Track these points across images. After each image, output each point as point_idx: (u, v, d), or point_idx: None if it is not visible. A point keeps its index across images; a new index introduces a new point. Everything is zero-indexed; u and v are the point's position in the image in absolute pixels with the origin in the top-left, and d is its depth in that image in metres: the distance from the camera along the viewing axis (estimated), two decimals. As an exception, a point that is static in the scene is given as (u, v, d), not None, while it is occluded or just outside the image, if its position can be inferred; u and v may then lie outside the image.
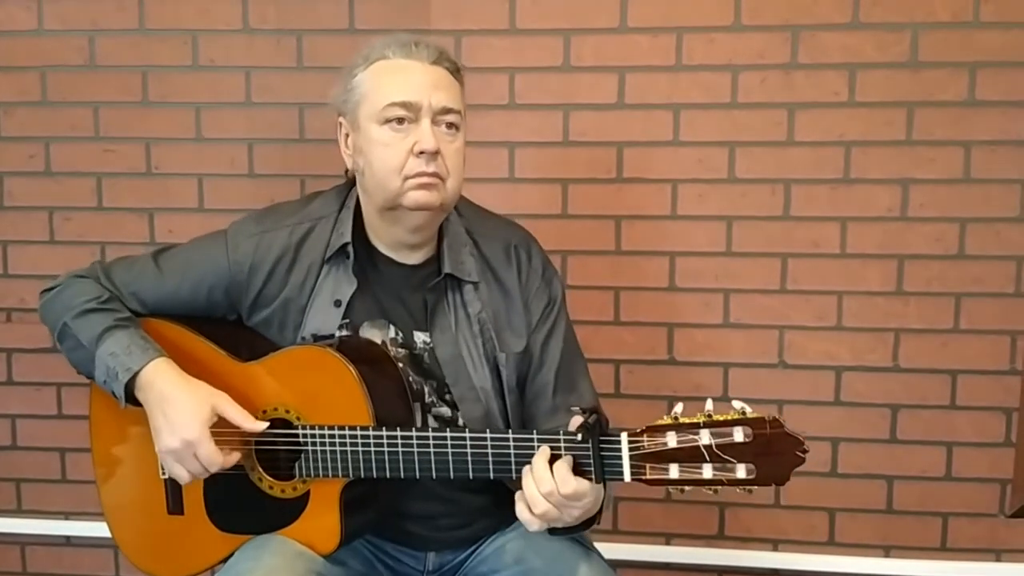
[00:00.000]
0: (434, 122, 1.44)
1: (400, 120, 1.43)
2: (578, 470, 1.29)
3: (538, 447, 1.32)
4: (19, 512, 2.31)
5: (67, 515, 2.29)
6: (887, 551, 2.11)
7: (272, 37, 2.11)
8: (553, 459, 1.30)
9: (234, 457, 1.44)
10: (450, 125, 1.46)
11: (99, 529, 2.21)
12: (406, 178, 1.43)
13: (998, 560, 2.08)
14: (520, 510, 1.31)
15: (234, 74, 2.12)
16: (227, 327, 1.57)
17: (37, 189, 2.20)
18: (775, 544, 2.13)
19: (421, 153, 1.42)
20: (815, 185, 2.03)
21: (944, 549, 2.09)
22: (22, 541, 2.32)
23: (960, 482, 2.07)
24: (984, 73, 1.96)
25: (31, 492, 2.30)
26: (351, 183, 1.57)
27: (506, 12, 2.05)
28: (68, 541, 2.31)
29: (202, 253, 1.56)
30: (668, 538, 2.15)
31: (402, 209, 1.45)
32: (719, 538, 2.14)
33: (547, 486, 1.28)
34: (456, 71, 1.49)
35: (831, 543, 2.12)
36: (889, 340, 2.05)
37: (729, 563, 2.14)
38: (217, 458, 1.41)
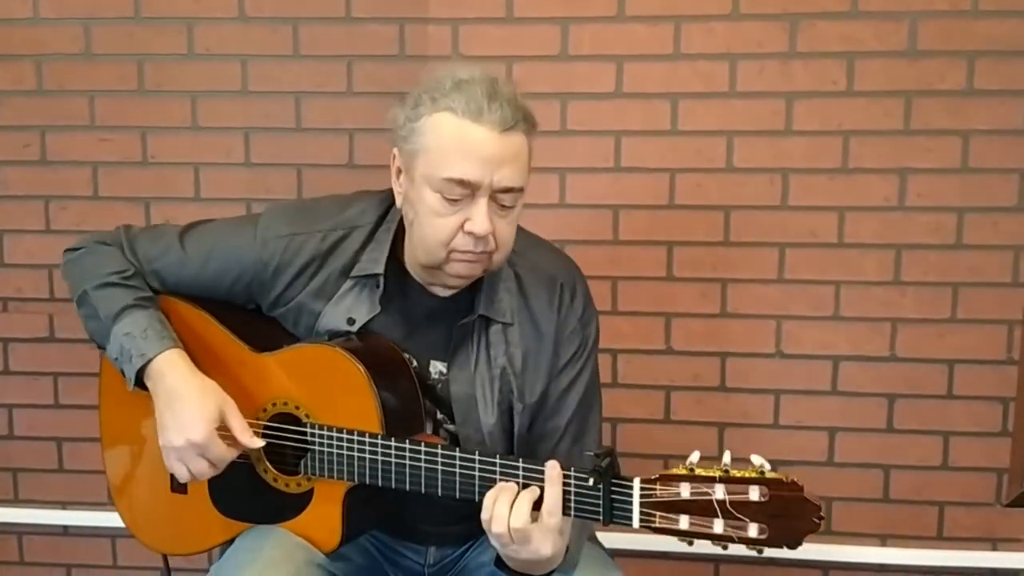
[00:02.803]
0: (491, 198, 1.34)
1: (456, 197, 1.33)
2: (581, 511, 1.27)
3: None
4: (16, 502, 2.31)
5: (64, 505, 2.29)
6: (884, 540, 2.12)
7: (268, 25, 2.10)
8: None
9: (236, 450, 1.43)
10: (507, 203, 1.37)
11: (97, 518, 2.23)
12: (452, 251, 1.36)
13: (994, 549, 2.09)
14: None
15: (230, 63, 2.11)
16: (245, 315, 1.55)
17: (33, 178, 2.19)
18: (772, 533, 2.13)
19: (471, 233, 1.34)
20: (813, 175, 2.03)
21: (940, 538, 2.10)
22: (19, 531, 2.32)
23: (957, 472, 2.08)
24: (983, 62, 1.96)
25: (28, 482, 2.30)
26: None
27: (503, 1, 2.04)
28: (65, 531, 2.31)
29: (229, 242, 1.51)
30: (665, 527, 2.15)
31: (443, 272, 1.40)
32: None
33: (499, 527, 1.27)
34: (530, 130, 1.37)
35: (828, 532, 2.12)
36: (886, 330, 2.05)
37: (726, 552, 2.13)
38: (227, 455, 1.41)
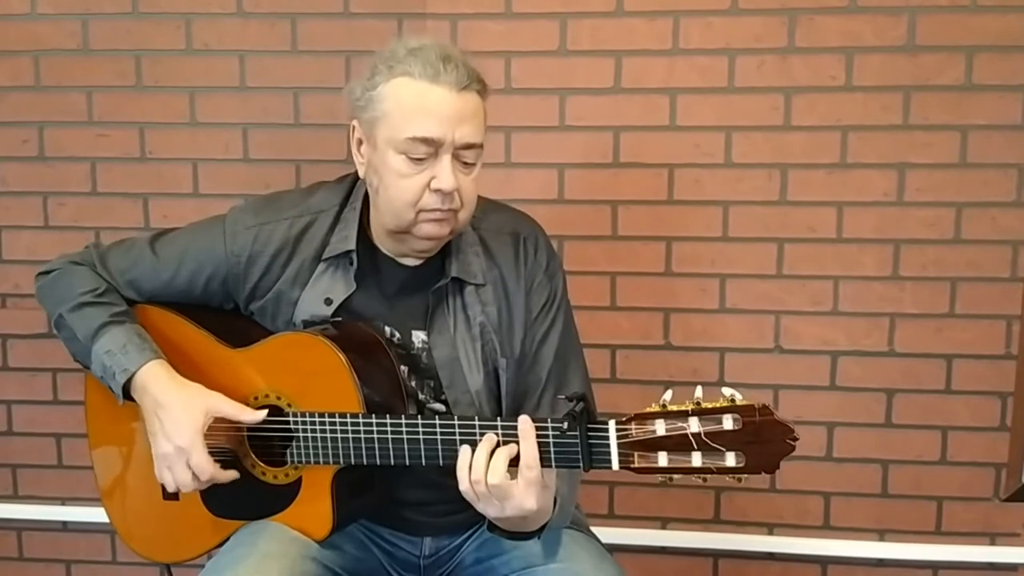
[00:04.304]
0: (454, 155, 1.39)
1: (420, 156, 1.38)
2: (561, 459, 1.30)
3: None
4: (15, 498, 2.31)
5: (63, 500, 2.29)
6: (882, 535, 2.12)
7: (266, 21, 2.09)
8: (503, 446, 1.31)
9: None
10: (469, 160, 1.42)
11: (95, 514, 2.22)
12: (420, 211, 1.40)
13: (992, 544, 2.09)
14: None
15: (228, 58, 2.11)
16: (221, 315, 1.57)
17: (31, 174, 2.19)
18: (770, 528, 2.14)
19: (438, 190, 1.38)
20: (812, 170, 2.03)
21: (939, 533, 2.10)
22: (18, 527, 2.33)
23: (955, 466, 2.08)
24: (981, 58, 1.96)
25: (27, 478, 2.30)
26: (358, 177, 1.52)
27: (502, -4, 2.04)
28: (65, 526, 2.32)
29: (199, 242, 1.54)
30: (664, 522, 2.16)
31: (412, 236, 1.43)
32: (715, 522, 2.14)
33: (477, 474, 1.30)
34: (483, 91, 1.43)
35: (826, 527, 2.13)
36: (885, 325, 2.06)
37: (725, 547, 2.14)
38: (207, 467, 1.41)
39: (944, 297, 2.04)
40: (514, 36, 2.04)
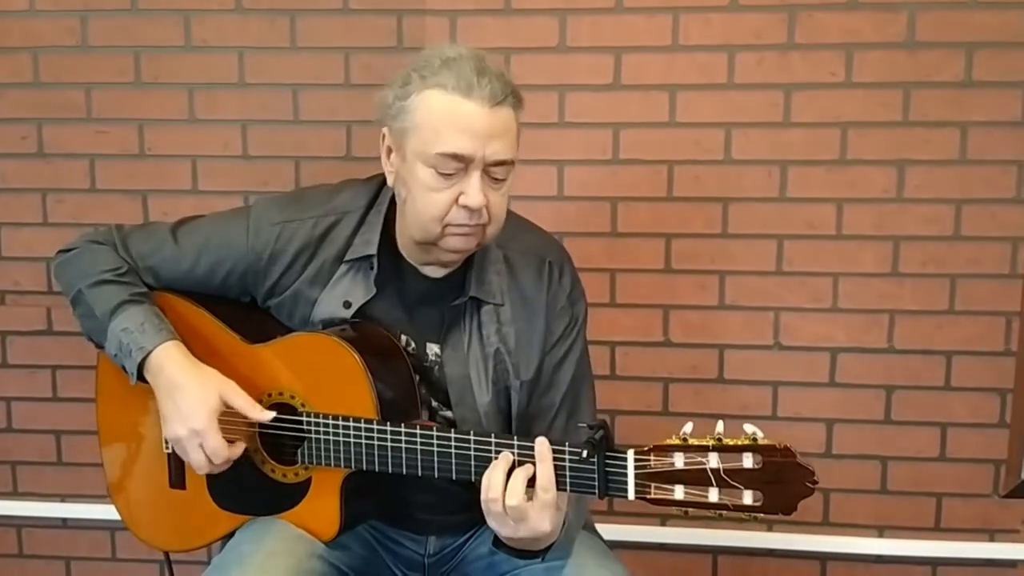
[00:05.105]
0: (484, 171, 1.36)
1: (449, 172, 1.35)
2: (577, 485, 1.29)
3: None
4: (15, 495, 2.31)
5: (63, 497, 2.29)
6: (881, 531, 2.12)
7: (265, 17, 2.09)
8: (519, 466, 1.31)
9: (239, 448, 1.43)
10: (500, 176, 1.39)
11: (95, 511, 2.23)
12: (447, 225, 1.38)
13: (991, 540, 2.10)
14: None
15: (227, 55, 2.11)
16: (239, 307, 1.55)
17: (30, 171, 2.19)
18: (770, 525, 2.13)
19: (465, 206, 1.36)
20: (811, 166, 2.03)
21: (938, 529, 2.10)
22: (18, 523, 2.33)
23: (954, 463, 2.08)
24: (981, 54, 1.96)
25: (27, 475, 2.31)
26: (386, 179, 1.49)
27: (501, -8, 2.04)
28: (64, 523, 2.32)
29: (222, 234, 1.53)
30: (663, 519, 2.16)
31: (438, 248, 1.42)
32: (714, 519, 2.14)
33: (494, 493, 1.29)
34: (518, 104, 1.39)
35: (826, 523, 2.13)
36: (884, 322, 2.06)
37: (724, 544, 2.14)
38: (223, 451, 1.41)
39: (944, 294, 2.04)
40: (513, 32, 2.04)
